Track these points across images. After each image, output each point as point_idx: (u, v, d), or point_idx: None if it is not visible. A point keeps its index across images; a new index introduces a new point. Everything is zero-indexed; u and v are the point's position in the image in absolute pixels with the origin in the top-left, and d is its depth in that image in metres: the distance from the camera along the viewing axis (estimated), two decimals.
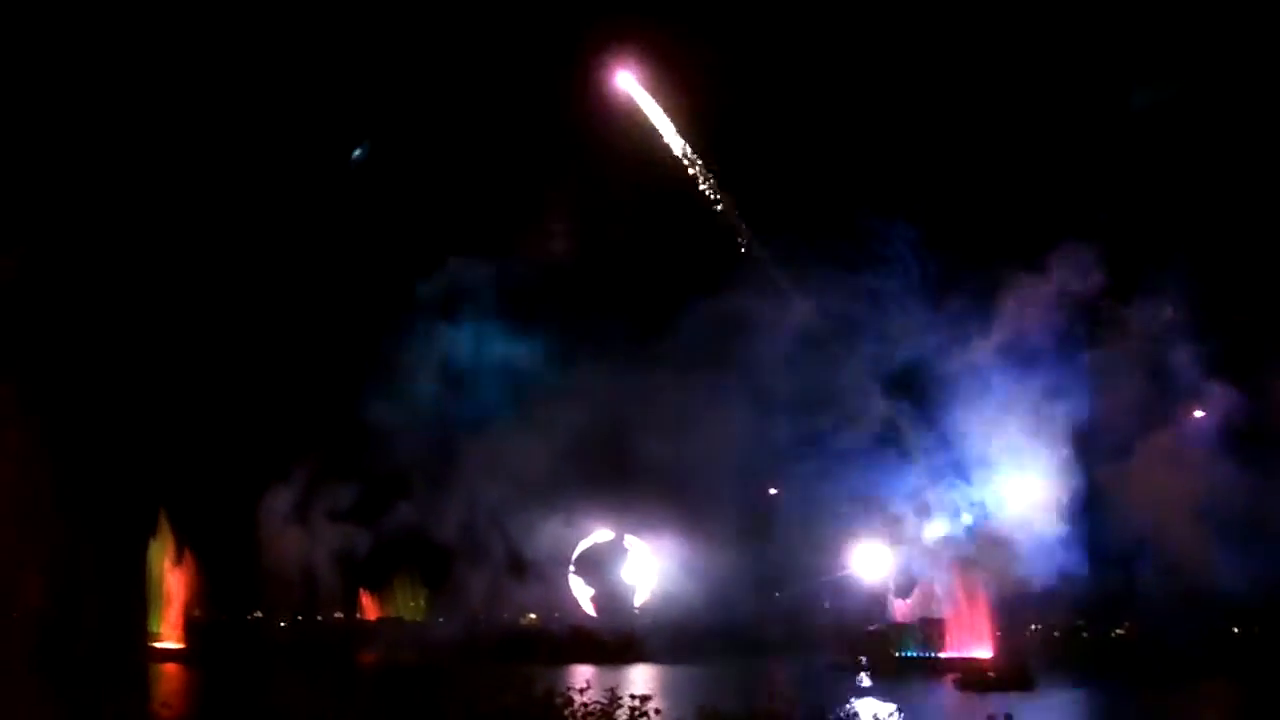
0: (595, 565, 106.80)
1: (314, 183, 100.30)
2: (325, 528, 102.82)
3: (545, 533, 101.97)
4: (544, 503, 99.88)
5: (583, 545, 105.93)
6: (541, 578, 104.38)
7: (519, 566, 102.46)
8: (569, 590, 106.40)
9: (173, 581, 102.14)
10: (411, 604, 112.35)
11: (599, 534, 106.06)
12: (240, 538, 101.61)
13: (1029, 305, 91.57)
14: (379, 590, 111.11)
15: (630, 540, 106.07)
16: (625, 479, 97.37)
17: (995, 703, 60.17)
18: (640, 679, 72.93)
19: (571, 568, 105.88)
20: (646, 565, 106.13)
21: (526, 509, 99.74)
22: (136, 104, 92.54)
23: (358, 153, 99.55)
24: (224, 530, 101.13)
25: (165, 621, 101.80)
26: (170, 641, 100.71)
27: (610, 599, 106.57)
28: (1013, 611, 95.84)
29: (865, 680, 78.88)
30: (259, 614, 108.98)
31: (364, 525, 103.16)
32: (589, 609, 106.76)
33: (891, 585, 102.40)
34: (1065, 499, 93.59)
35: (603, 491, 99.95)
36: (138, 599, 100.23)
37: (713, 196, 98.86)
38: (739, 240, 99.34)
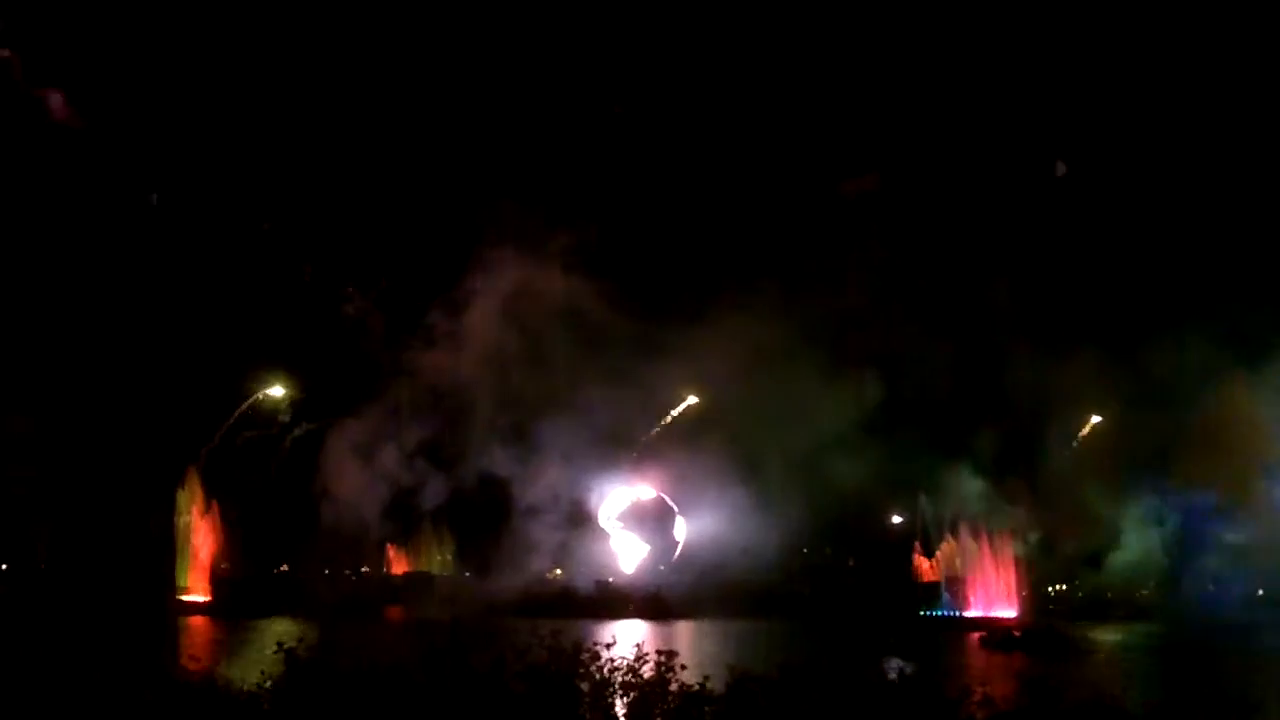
0: (638, 522, 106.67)
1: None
2: (389, 473, 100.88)
3: (601, 487, 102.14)
4: (605, 455, 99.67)
5: (621, 501, 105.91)
6: (587, 532, 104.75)
7: (574, 520, 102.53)
8: (605, 545, 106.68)
9: (200, 535, 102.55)
10: (439, 558, 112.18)
11: (640, 490, 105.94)
12: (271, 491, 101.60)
13: None
14: (406, 544, 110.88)
15: (667, 498, 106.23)
16: (683, 436, 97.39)
17: (1021, 661, 60.21)
18: (669, 635, 73.01)
19: (619, 523, 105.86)
20: (682, 523, 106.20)
21: (586, 462, 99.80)
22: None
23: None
24: (254, 484, 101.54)
25: (192, 575, 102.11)
26: (197, 595, 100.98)
27: (655, 555, 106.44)
28: (1038, 571, 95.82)
29: (890, 638, 78.69)
30: (285, 568, 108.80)
31: (438, 469, 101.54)
32: (626, 565, 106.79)
33: (918, 544, 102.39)
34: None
35: (659, 448, 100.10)
36: (165, 552, 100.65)
37: None
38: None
